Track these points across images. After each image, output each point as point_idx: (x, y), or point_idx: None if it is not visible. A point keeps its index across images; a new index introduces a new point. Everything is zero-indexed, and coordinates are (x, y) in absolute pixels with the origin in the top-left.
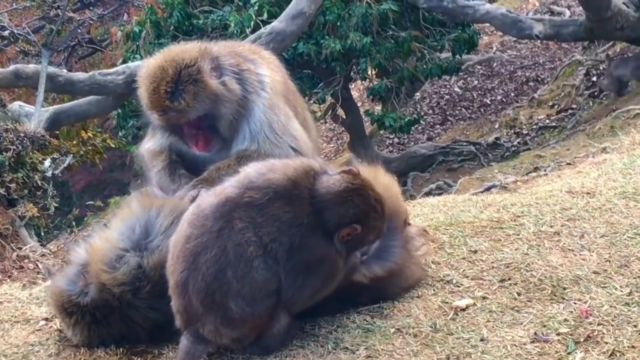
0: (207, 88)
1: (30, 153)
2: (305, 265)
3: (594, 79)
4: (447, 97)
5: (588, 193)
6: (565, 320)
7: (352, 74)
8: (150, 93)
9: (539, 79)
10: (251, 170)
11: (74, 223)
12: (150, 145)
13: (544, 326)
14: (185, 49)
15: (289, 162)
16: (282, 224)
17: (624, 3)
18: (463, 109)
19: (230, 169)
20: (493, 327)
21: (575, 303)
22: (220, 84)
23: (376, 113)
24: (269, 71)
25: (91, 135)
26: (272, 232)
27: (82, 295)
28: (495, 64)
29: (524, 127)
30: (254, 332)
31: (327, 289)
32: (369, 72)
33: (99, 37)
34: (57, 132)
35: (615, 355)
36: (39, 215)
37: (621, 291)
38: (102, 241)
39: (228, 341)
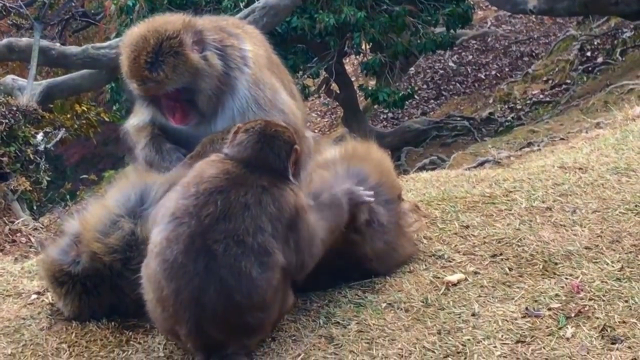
0: (187, 61)
1: (23, 127)
2: (290, 219)
3: (588, 54)
4: (441, 72)
5: (580, 168)
6: (557, 295)
7: (346, 48)
8: (130, 62)
9: (534, 54)
10: (182, 192)
11: (67, 197)
12: (134, 120)
13: (535, 301)
14: (169, 20)
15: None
16: (249, 211)
17: None
18: (457, 84)
19: (224, 142)
20: (484, 302)
21: (566, 278)
22: (202, 58)
23: (370, 88)
24: (252, 46)
25: (85, 109)
26: (249, 227)
27: (73, 265)
28: (489, 39)
29: (518, 102)
30: (273, 326)
31: (325, 226)
32: (363, 47)
33: (92, 11)
34: (51, 105)
35: (606, 331)
36: (31, 189)
37: (612, 266)
38: (97, 209)
39: (254, 346)
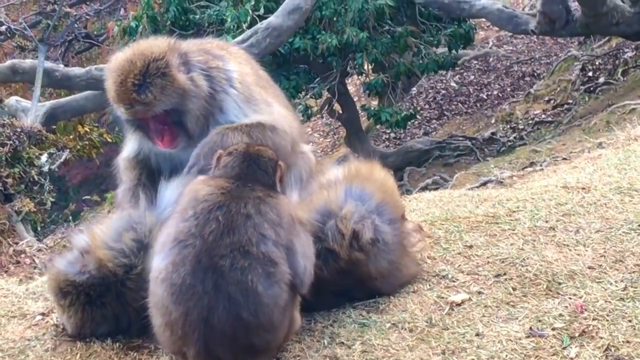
0: (174, 82)
1: (27, 148)
2: (289, 226)
3: (590, 74)
4: (443, 92)
5: (583, 188)
6: (561, 315)
7: (348, 69)
8: (117, 86)
9: (535, 74)
10: (180, 217)
11: (70, 218)
12: (125, 154)
13: (539, 321)
14: (154, 44)
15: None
16: (251, 220)
17: None
18: (459, 104)
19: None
20: (488, 322)
21: (570, 298)
22: (188, 79)
23: (372, 108)
24: (237, 65)
25: (88, 130)
26: (252, 236)
27: (79, 275)
28: (491, 59)
29: (520, 122)
30: (279, 348)
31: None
32: (366, 67)
33: (95, 32)
34: (54, 126)
35: (610, 350)
36: (35, 210)
37: (616, 286)
38: (105, 223)
39: None
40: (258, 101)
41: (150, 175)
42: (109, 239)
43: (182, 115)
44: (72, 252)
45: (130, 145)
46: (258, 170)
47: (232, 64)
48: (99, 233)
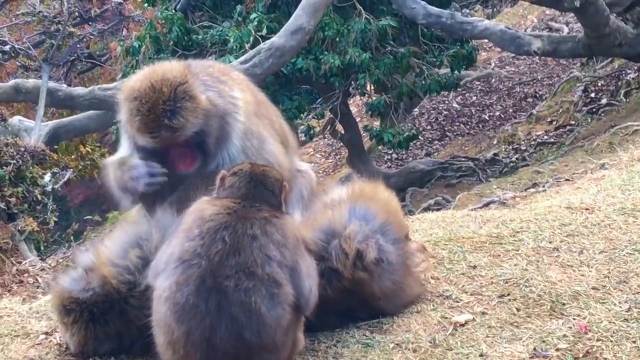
0: (200, 104)
1: (31, 168)
2: (294, 247)
3: (593, 95)
4: (445, 113)
5: (587, 209)
6: (565, 336)
7: (351, 89)
8: (144, 115)
9: (538, 96)
10: (185, 236)
11: (72, 238)
12: (117, 156)
13: (544, 342)
14: (171, 68)
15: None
16: (257, 241)
17: (622, 20)
18: (462, 125)
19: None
20: (492, 342)
21: (574, 319)
22: (207, 99)
23: (375, 129)
24: (241, 93)
25: (90, 150)
26: (257, 257)
27: (83, 292)
28: (493, 80)
29: (523, 143)
30: None
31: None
32: (368, 88)
33: (98, 52)
34: (56, 147)
35: None
36: (38, 229)
37: (620, 307)
38: (110, 241)
39: None
40: (254, 135)
41: None
42: (115, 256)
43: (205, 136)
44: (77, 270)
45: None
46: (265, 190)
47: (236, 91)
48: (104, 250)
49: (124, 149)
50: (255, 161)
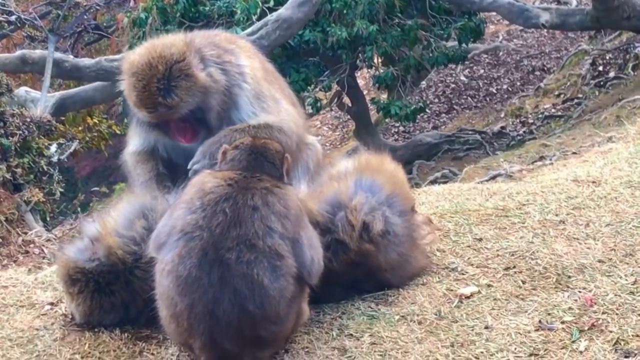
0: (197, 82)
1: (37, 138)
2: (296, 217)
3: (600, 68)
4: (452, 85)
5: (593, 182)
6: (570, 308)
7: (358, 62)
8: (139, 91)
9: (545, 68)
10: (186, 208)
11: (79, 209)
12: (132, 148)
13: (549, 314)
14: (170, 43)
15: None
16: (258, 212)
17: None
18: (469, 98)
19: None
20: (497, 314)
21: (579, 291)
22: (207, 75)
23: (382, 101)
24: (248, 60)
25: (97, 122)
26: (258, 229)
27: (88, 262)
28: (501, 53)
29: (530, 116)
30: (287, 338)
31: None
32: (375, 60)
33: (105, 24)
34: (63, 118)
35: (620, 344)
36: (44, 200)
37: (626, 280)
38: (115, 211)
39: (267, 358)
40: (267, 98)
41: (166, 165)
42: (120, 226)
43: (204, 112)
44: (83, 240)
45: (137, 139)
46: (265, 162)
47: (243, 58)
48: (110, 221)
49: (141, 138)
50: (274, 121)
